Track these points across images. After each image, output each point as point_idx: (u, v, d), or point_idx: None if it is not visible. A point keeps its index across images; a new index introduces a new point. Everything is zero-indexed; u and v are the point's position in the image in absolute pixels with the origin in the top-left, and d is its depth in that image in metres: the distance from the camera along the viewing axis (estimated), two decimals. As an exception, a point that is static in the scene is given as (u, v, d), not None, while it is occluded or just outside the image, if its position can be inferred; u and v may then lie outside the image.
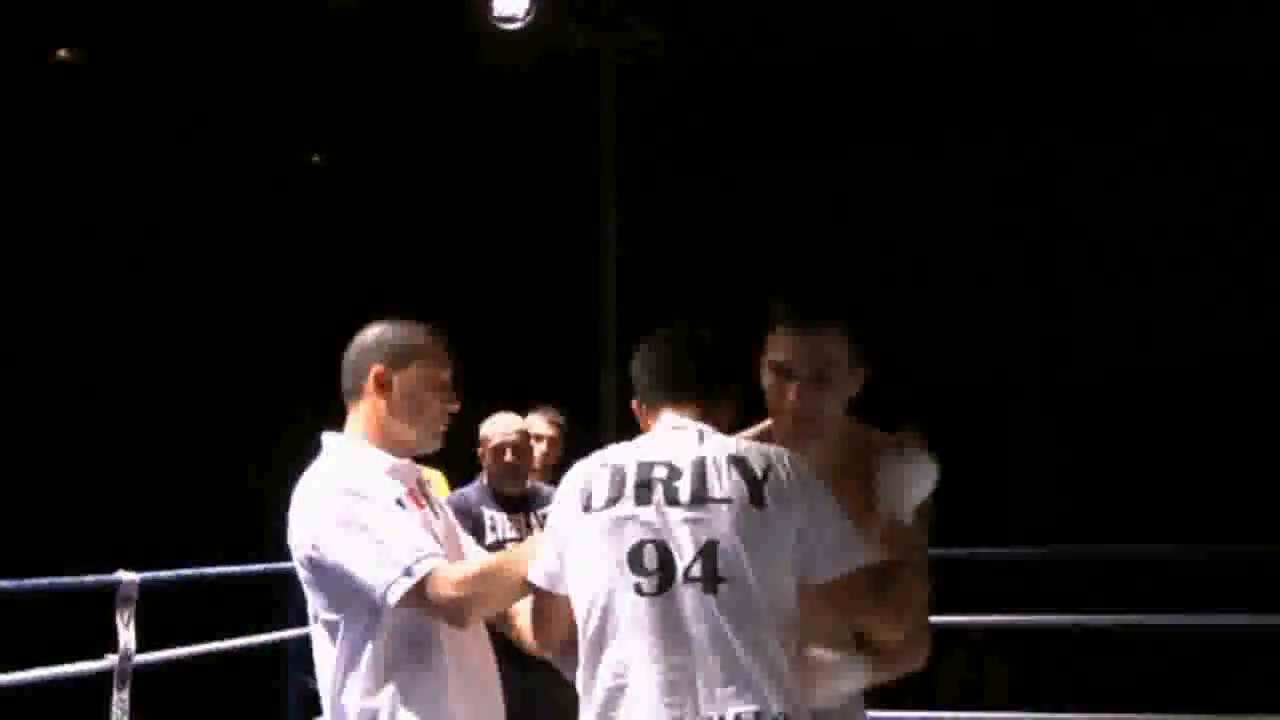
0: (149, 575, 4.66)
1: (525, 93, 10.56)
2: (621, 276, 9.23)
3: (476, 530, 5.02)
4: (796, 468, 2.35)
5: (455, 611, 2.46)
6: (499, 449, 5.11)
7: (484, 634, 2.71)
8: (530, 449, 5.31)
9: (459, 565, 2.52)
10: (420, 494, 2.68)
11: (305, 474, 2.65)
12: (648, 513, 2.33)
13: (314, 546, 2.54)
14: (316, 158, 11.12)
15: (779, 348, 2.47)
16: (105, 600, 4.55)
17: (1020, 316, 10.48)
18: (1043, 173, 10.63)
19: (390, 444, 2.66)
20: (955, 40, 10.52)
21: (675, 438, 2.42)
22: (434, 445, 2.76)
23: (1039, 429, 10.07)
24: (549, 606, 2.47)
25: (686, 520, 2.31)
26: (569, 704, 5.58)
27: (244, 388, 10.46)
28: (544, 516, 5.07)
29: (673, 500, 2.33)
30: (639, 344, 2.53)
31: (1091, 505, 8.45)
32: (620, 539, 2.33)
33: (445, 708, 2.55)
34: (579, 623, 2.36)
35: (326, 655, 2.58)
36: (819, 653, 2.38)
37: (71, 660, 4.49)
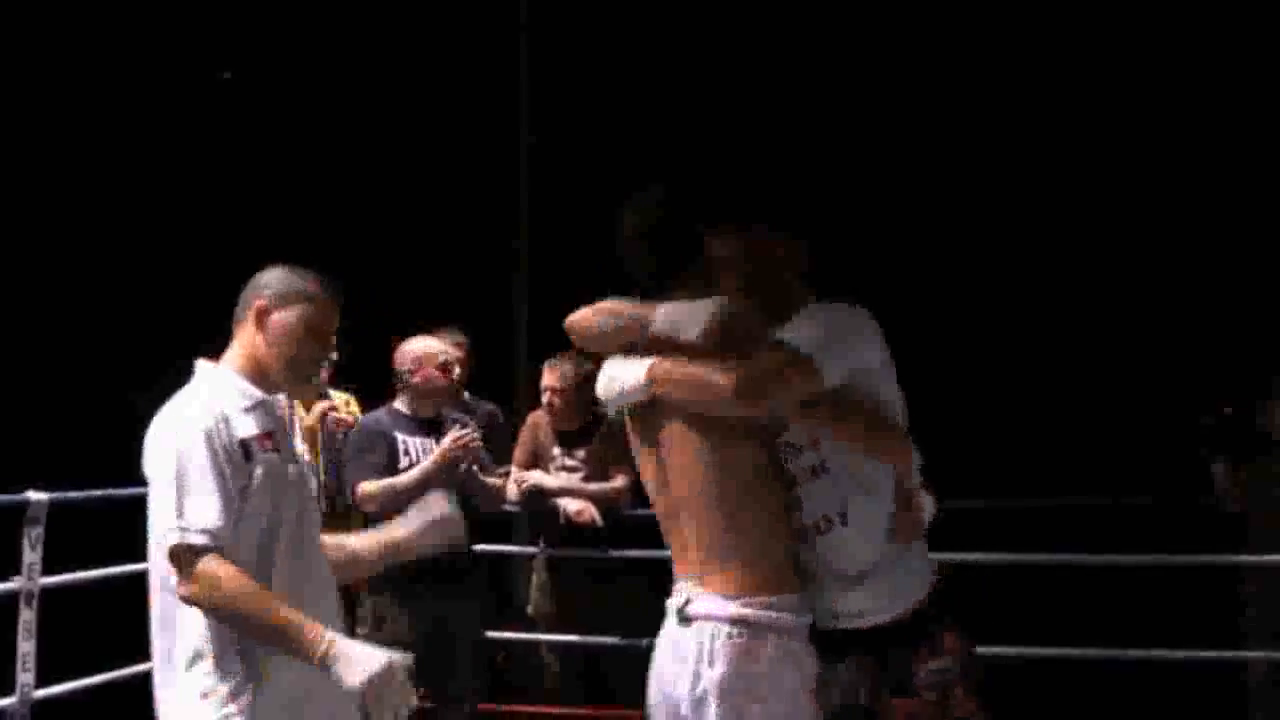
0: (58, 495, 4.63)
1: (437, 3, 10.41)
2: (534, 195, 9.21)
3: (391, 454, 5.03)
4: None
5: (184, 597, 2.55)
6: (447, 365, 5.20)
7: (321, 554, 2.77)
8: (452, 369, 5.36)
9: (208, 564, 2.50)
10: (280, 435, 2.70)
11: (172, 398, 2.71)
12: None
13: (151, 470, 2.63)
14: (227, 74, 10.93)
15: None
16: (14, 520, 4.52)
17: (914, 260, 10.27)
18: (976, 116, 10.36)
19: (259, 379, 2.72)
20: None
21: None
22: (302, 392, 2.81)
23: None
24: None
25: None
26: (478, 633, 5.60)
27: (151, 307, 10.31)
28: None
29: None
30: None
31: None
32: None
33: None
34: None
35: (163, 576, 2.62)
36: None
37: (-23, 581, 4.46)
